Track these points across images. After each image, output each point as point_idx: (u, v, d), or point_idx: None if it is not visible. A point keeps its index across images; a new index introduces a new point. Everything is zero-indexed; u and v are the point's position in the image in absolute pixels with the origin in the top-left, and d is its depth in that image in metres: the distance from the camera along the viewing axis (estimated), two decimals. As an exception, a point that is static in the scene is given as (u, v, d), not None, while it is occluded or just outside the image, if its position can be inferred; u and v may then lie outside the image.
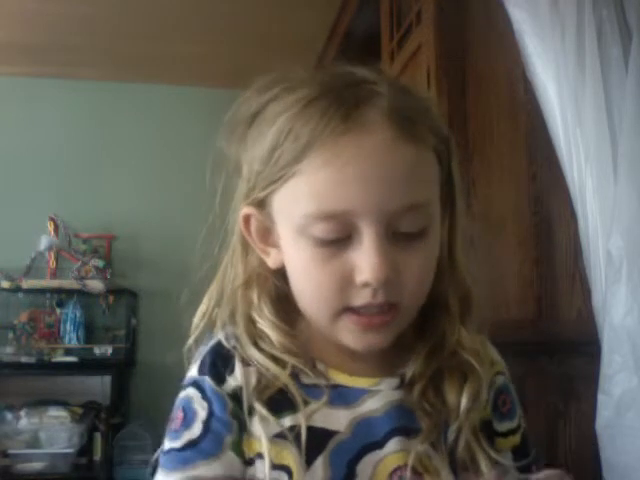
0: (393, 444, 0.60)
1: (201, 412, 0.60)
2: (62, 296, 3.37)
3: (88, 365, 3.22)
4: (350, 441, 0.60)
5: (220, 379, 0.61)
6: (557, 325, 1.50)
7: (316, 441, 0.59)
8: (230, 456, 0.59)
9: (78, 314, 3.32)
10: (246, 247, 0.66)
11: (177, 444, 0.59)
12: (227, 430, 0.59)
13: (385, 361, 0.64)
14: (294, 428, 0.58)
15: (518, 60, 1.33)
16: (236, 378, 0.61)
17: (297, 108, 0.57)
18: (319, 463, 0.58)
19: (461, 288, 0.66)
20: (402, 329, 0.62)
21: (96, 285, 3.25)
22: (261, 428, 0.58)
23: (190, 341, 0.66)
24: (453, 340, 0.64)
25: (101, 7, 2.86)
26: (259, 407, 0.59)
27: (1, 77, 3.57)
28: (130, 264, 3.55)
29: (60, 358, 3.18)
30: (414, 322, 0.64)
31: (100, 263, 3.34)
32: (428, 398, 0.62)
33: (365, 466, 0.59)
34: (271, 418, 0.59)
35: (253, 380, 0.61)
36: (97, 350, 3.25)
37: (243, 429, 0.60)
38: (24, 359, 3.11)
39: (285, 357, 0.61)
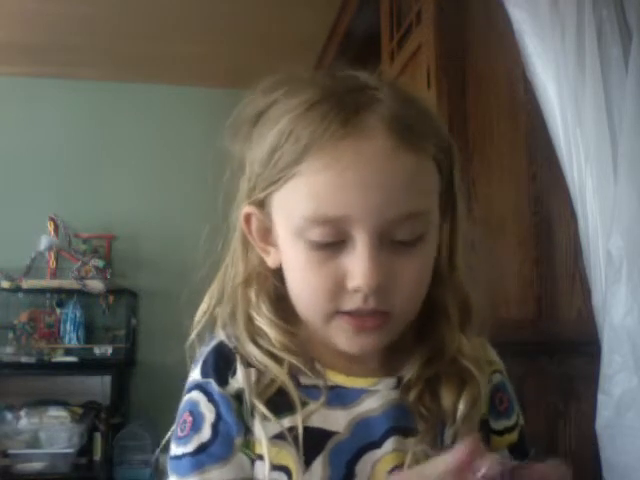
0: (390, 444, 0.61)
1: (209, 415, 0.60)
2: (62, 296, 3.37)
3: (88, 365, 3.22)
4: (348, 441, 0.60)
5: (224, 381, 0.61)
6: (557, 325, 1.50)
7: (315, 441, 0.59)
8: (240, 458, 0.59)
9: (78, 314, 3.32)
10: (247, 246, 0.66)
11: (188, 449, 0.59)
12: (236, 432, 0.59)
13: (383, 362, 0.64)
14: (293, 429, 0.59)
15: (518, 60, 1.33)
16: (238, 380, 0.61)
17: (299, 111, 0.57)
18: (318, 463, 0.58)
19: (460, 296, 0.66)
20: (396, 334, 0.62)
21: (96, 285, 3.25)
22: (261, 429, 0.59)
23: (192, 337, 0.66)
24: (453, 347, 0.64)
25: (101, 7, 2.86)
26: (260, 407, 0.59)
27: (1, 77, 3.57)
28: (130, 264, 3.55)
29: (60, 358, 3.18)
30: (413, 326, 0.64)
31: (100, 263, 3.34)
32: (424, 402, 0.62)
33: (364, 466, 0.59)
34: (272, 418, 0.59)
35: (253, 381, 0.61)
36: (97, 350, 3.25)
37: (247, 431, 0.60)
38: (24, 359, 3.11)
39: (284, 355, 0.61)
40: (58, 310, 3.35)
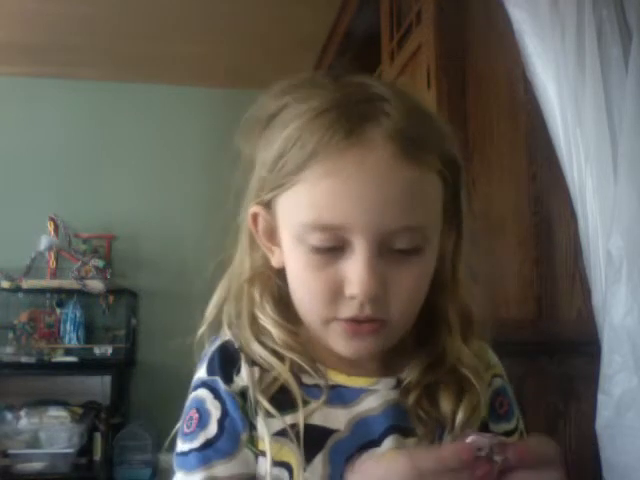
0: (390, 442, 0.61)
1: (215, 412, 0.61)
2: (62, 296, 3.37)
3: (88, 365, 3.22)
4: (348, 439, 0.61)
5: (229, 379, 0.62)
6: (557, 325, 1.50)
7: (316, 439, 0.60)
8: (246, 453, 0.60)
9: (78, 314, 3.32)
10: (253, 245, 0.67)
11: (195, 444, 0.61)
12: (241, 428, 0.61)
13: (383, 362, 0.65)
14: (295, 426, 0.60)
15: (518, 60, 1.33)
16: (242, 378, 0.62)
17: (307, 117, 0.58)
18: (318, 460, 0.59)
19: (461, 307, 0.67)
20: (394, 340, 0.62)
21: (96, 285, 3.25)
22: (264, 425, 0.60)
23: (201, 330, 0.67)
24: (453, 356, 0.64)
25: (101, 7, 2.86)
26: (264, 403, 0.60)
27: (1, 77, 3.57)
28: (130, 264, 3.55)
29: (60, 358, 3.18)
30: (413, 331, 0.65)
31: (100, 263, 3.34)
32: (423, 406, 0.63)
33: None
34: (276, 414, 0.60)
35: (257, 379, 0.62)
36: (97, 350, 3.25)
37: (251, 427, 0.61)
38: (24, 359, 3.11)
39: (287, 354, 0.63)
40: (58, 310, 3.35)
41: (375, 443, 0.61)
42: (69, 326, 3.29)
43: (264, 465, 0.59)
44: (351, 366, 0.64)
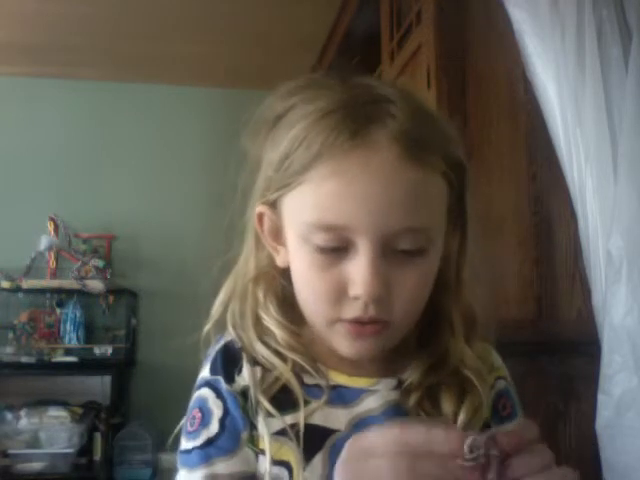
0: None
1: (217, 411, 0.62)
2: (62, 296, 3.37)
3: (88, 365, 3.22)
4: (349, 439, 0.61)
5: (231, 379, 0.63)
6: (557, 325, 1.50)
7: (316, 439, 0.60)
8: (247, 452, 0.61)
9: (78, 314, 3.32)
10: (259, 244, 0.68)
11: (197, 442, 0.62)
12: (242, 426, 0.62)
13: (385, 363, 0.65)
14: (295, 426, 0.60)
15: (518, 60, 1.33)
16: (244, 378, 0.63)
17: (313, 118, 0.58)
18: (318, 460, 0.60)
19: (465, 308, 0.67)
20: (396, 340, 0.63)
21: (96, 285, 3.25)
22: (264, 425, 0.61)
23: (206, 329, 0.68)
24: (456, 358, 0.65)
25: (101, 7, 2.86)
26: (265, 403, 0.61)
27: (1, 77, 3.57)
28: (130, 264, 3.55)
29: (60, 358, 3.18)
30: (416, 331, 0.65)
31: (100, 263, 3.34)
32: (424, 407, 0.63)
33: None
34: (276, 414, 0.61)
35: (258, 379, 0.63)
36: (97, 350, 3.25)
37: (252, 427, 0.62)
38: (24, 359, 3.11)
39: (289, 354, 0.63)
40: (58, 310, 3.35)
41: None
42: (69, 326, 3.29)
43: (264, 464, 0.60)
44: (352, 367, 0.64)
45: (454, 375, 0.64)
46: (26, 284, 3.24)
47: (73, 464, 3.01)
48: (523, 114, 1.57)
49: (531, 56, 1.27)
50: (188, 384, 0.68)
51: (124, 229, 3.57)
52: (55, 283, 3.30)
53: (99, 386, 3.24)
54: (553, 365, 1.47)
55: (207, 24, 2.98)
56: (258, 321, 0.66)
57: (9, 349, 3.16)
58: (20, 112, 3.60)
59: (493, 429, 0.46)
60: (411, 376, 0.64)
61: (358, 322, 0.59)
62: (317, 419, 0.61)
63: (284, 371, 0.62)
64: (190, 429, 0.63)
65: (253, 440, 0.61)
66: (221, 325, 0.67)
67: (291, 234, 0.62)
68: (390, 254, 0.58)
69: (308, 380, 0.63)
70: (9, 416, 3.03)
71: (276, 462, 0.60)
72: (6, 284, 3.22)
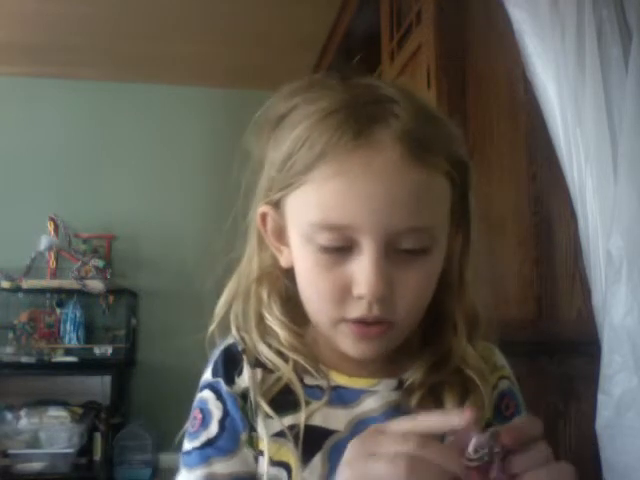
0: None
1: (216, 412, 0.63)
2: (62, 296, 3.38)
3: (88, 365, 3.22)
4: (348, 440, 0.61)
5: (231, 380, 0.64)
6: (557, 325, 1.50)
7: (315, 439, 0.61)
8: (245, 453, 0.62)
9: (78, 314, 3.32)
10: (261, 244, 0.68)
11: (197, 443, 0.62)
12: (242, 428, 0.62)
13: (386, 363, 0.65)
14: (294, 427, 0.61)
15: (518, 60, 1.33)
16: (244, 380, 0.63)
17: (315, 118, 0.58)
18: (317, 460, 0.60)
19: (468, 310, 0.67)
20: (399, 340, 0.63)
21: (96, 285, 3.25)
22: (263, 426, 0.61)
23: (211, 329, 0.68)
24: (458, 358, 0.65)
25: (101, 7, 2.86)
26: (264, 405, 0.61)
27: (1, 77, 3.57)
28: (130, 264, 3.56)
29: (60, 358, 3.18)
30: (419, 331, 0.65)
31: (100, 263, 3.34)
32: (426, 407, 0.63)
33: None
34: (274, 416, 0.61)
35: (258, 381, 0.63)
36: (97, 350, 3.26)
37: (251, 428, 0.62)
38: (24, 359, 3.11)
39: (292, 355, 0.64)
40: (58, 310, 3.35)
41: None
42: (69, 326, 3.30)
43: (263, 465, 0.60)
44: (353, 367, 0.64)
45: (456, 375, 0.64)
46: (26, 284, 3.24)
47: (73, 464, 3.01)
48: (523, 114, 1.57)
49: (531, 56, 1.26)
50: (188, 384, 0.69)
51: (124, 229, 3.57)
52: (55, 283, 3.31)
53: (99, 386, 3.24)
54: (553, 365, 1.47)
55: (207, 24, 2.98)
56: (261, 321, 0.66)
57: (9, 349, 3.17)
58: (20, 112, 3.60)
59: (496, 427, 0.46)
60: (413, 376, 0.64)
61: (362, 322, 0.59)
62: (317, 420, 0.61)
63: (286, 371, 0.63)
64: (191, 430, 0.63)
65: (252, 441, 0.62)
66: (225, 325, 0.68)
67: (294, 234, 0.62)
68: (393, 254, 0.58)
69: (308, 381, 0.64)
70: (9, 416, 3.04)
71: (275, 463, 0.60)
72: (6, 284, 3.22)
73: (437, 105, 1.60)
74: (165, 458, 3.15)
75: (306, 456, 0.60)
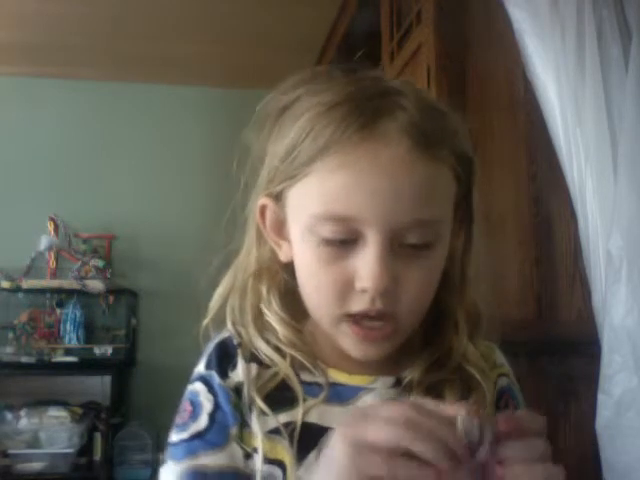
0: None
1: (207, 405, 0.62)
2: (62, 296, 3.37)
3: (88, 365, 3.22)
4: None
5: (224, 374, 0.63)
6: (557, 325, 1.50)
7: (311, 437, 0.60)
8: (234, 448, 0.61)
9: (78, 314, 3.32)
10: (260, 238, 0.67)
11: (185, 435, 0.61)
12: (232, 422, 0.61)
13: (386, 362, 0.64)
14: (289, 424, 0.60)
15: (518, 60, 1.33)
16: (238, 374, 0.63)
17: (320, 109, 0.58)
18: (313, 458, 0.59)
19: (470, 307, 0.66)
20: (401, 340, 0.62)
21: (96, 285, 3.25)
22: (257, 424, 0.60)
23: (205, 322, 0.67)
24: (459, 354, 0.64)
25: (101, 7, 2.86)
26: (258, 402, 0.61)
27: (1, 77, 3.57)
28: (130, 264, 3.55)
29: (60, 358, 3.18)
30: (420, 330, 0.65)
31: (100, 263, 3.34)
32: None
33: None
34: (269, 413, 0.60)
35: (253, 376, 0.62)
36: (97, 350, 3.26)
37: (244, 424, 0.61)
38: (24, 359, 3.11)
39: (290, 351, 0.63)
40: (58, 310, 3.35)
41: None
42: (69, 326, 3.29)
43: (257, 462, 0.60)
44: (352, 365, 0.63)
45: (458, 372, 0.64)
46: (26, 284, 3.24)
47: (73, 464, 3.01)
48: (523, 114, 1.57)
49: (531, 56, 1.26)
50: (188, 384, 0.68)
51: (124, 229, 3.57)
52: (55, 283, 3.31)
53: (99, 386, 3.24)
54: (553, 365, 1.47)
55: (207, 24, 2.98)
56: (258, 316, 0.65)
57: (9, 349, 3.17)
58: (20, 112, 3.60)
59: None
60: (411, 374, 0.64)
61: (365, 318, 0.58)
62: (313, 417, 0.61)
63: (284, 367, 0.62)
64: (179, 422, 0.63)
65: (245, 437, 0.61)
66: (220, 320, 0.67)
67: (296, 227, 0.61)
68: (398, 248, 0.57)
69: (305, 377, 0.63)
70: (9, 416, 3.04)
71: (270, 461, 0.59)
72: (6, 284, 3.22)
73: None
74: (165, 458, 3.15)
75: (301, 454, 0.59)
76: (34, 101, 3.61)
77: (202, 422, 0.61)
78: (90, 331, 3.38)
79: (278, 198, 0.62)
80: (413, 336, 0.64)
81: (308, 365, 0.63)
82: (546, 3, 1.23)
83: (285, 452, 0.59)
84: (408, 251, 0.58)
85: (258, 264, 0.67)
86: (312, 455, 0.59)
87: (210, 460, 0.59)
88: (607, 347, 1.10)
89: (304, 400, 0.61)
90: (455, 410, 0.45)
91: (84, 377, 3.31)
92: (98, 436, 3.07)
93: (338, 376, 0.64)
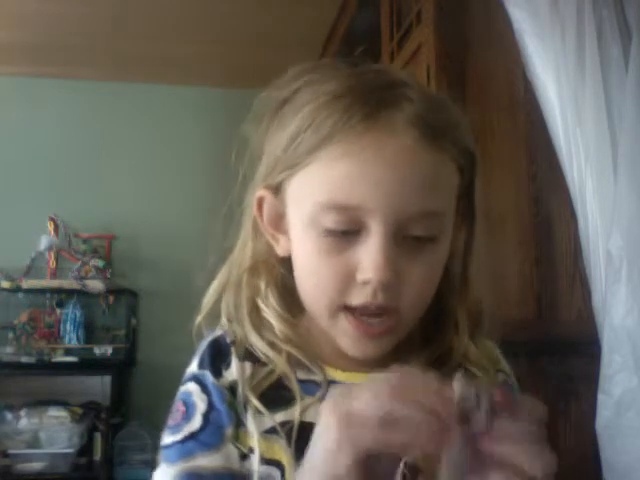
0: None
1: (201, 405, 0.61)
2: (62, 296, 3.37)
3: (88, 365, 3.22)
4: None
5: (218, 373, 0.61)
6: (557, 325, 1.50)
7: (308, 436, 0.59)
8: (229, 448, 0.59)
9: (78, 314, 3.32)
10: (256, 232, 0.66)
11: (178, 437, 0.60)
12: (227, 422, 0.60)
13: (384, 359, 0.63)
14: (286, 424, 0.59)
15: (518, 60, 1.33)
16: (232, 373, 0.61)
17: (323, 100, 0.57)
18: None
19: (472, 305, 0.66)
20: (401, 337, 0.61)
21: (96, 285, 3.25)
22: (253, 423, 0.59)
23: (198, 320, 0.66)
24: (459, 355, 0.64)
25: (101, 7, 2.86)
26: (254, 400, 0.59)
27: (1, 77, 3.57)
28: (130, 264, 3.56)
29: (60, 358, 3.18)
30: (420, 330, 0.64)
31: (100, 263, 3.34)
32: None
33: None
34: (265, 412, 0.59)
35: (248, 375, 0.61)
36: (97, 350, 3.26)
37: (239, 423, 0.60)
38: (24, 359, 3.11)
39: (287, 347, 0.62)
40: (58, 310, 3.35)
41: None
42: (69, 326, 3.29)
43: (254, 463, 0.58)
44: (349, 362, 0.62)
45: (458, 370, 0.64)
46: (26, 284, 3.24)
47: (73, 464, 3.01)
48: (523, 114, 1.57)
49: (531, 56, 1.26)
50: (188, 384, 0.67)
51: (124, 229, 3.57)
52: (55, 283, 3.31)
53: (99, 386, 3.24)
54: (553, 365, 1.46)
55: (207, 24, 2.98)
56: (254, 311, 0.64)
57: (9, 349, 3.17)
58: (20, 112, 3.60)
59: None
60: None
61: (365, 321, 0.57)
62: (310, 416, 0.59)
63: (280, 364, 0.61)
64: (172, 423, 0.61)
65: (241, 437, 0.59)
66: (215, 316, 0.66)
67: (296, 218, 0.60)
68: (401, 241, 0.57)
69: (301, 375, 0.62)
70: (9, 416, 3.04)
71: (267, 461, 0.58)
72: (6, 284, 3.22)
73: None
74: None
75: (299, 454, 0.57)
76: (34, 101, 3.61)
77: (196, 423, 0.60)
78: (90, 331, 3.38)
79: (277, 190, 0.61)
80: (412, 334, 0.63)
81: (305, 362, 0.61)
82: (546, 3, 1.23)
83: (282, 452, 0.58)
84: (411, 244, 0.57)
85: (254, 258, 0.66)
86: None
87: (205, 461, 0.58)
88: (607, 347, 1.10)
89: (301, 399, 0.60)
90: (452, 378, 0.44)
91: (84, 377, 3.32)
92: (98, 436, 3.07)
93: (334, 373, 0.63)
